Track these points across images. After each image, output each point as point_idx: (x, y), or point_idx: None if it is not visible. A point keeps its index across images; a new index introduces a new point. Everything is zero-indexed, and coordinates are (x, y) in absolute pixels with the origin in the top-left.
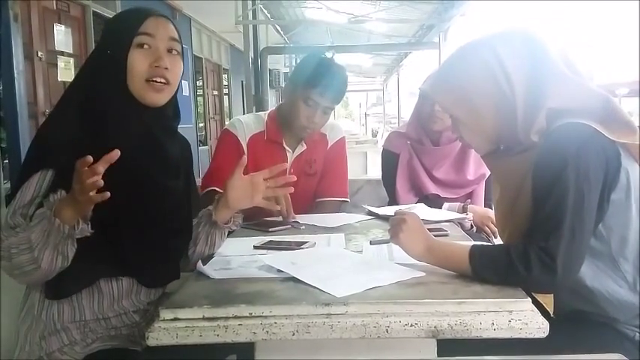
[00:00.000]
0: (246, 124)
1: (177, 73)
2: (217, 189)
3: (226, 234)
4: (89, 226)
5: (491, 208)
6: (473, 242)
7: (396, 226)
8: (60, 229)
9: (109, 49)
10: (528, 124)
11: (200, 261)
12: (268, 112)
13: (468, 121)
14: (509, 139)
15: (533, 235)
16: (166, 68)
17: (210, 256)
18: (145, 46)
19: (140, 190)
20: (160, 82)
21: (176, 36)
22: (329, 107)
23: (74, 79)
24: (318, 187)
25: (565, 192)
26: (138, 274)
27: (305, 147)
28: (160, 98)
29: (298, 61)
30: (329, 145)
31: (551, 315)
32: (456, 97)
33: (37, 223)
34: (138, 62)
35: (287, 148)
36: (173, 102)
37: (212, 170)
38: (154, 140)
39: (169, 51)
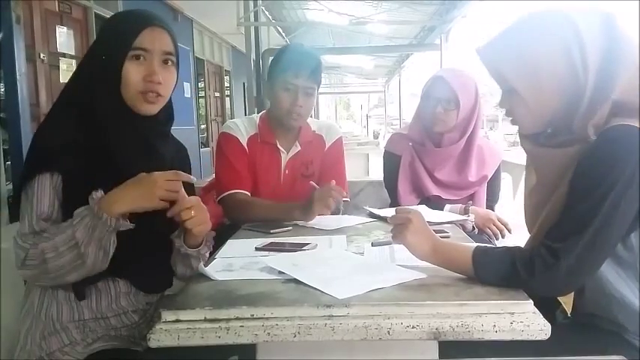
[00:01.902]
0: (242, 126)
1: (170, 85)
2: (241, 191)
3: (204, 255)
4: (127, 220)
5: (493, 210)
6: (476, 244)
7: (401, 226)
8: (107, 223)
9: (104, 55)
10: (590, 114)
11: (202, 262)
12: (260, 114)
13: (527, 96)
14: (562, 125)
15: (552, 232)
16: (159, 83)
17: (212, 258)
18: (140, 58)
19: None
20: (153, 95)
21: (171, 49)
22: (309, 87)
23: (70, 81)
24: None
25: (601, 201)
26: (132, 277)
27: (299, 148)
28: (152, 109)
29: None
30: (327, 146)
31: (569, 315)
32: (521, 67)
33: (80, 220)
34: (132, 74)
35: (281, 148)
36: (166, 107)
37: (229, 174)
38: (147, 145)
39: (164, 62)
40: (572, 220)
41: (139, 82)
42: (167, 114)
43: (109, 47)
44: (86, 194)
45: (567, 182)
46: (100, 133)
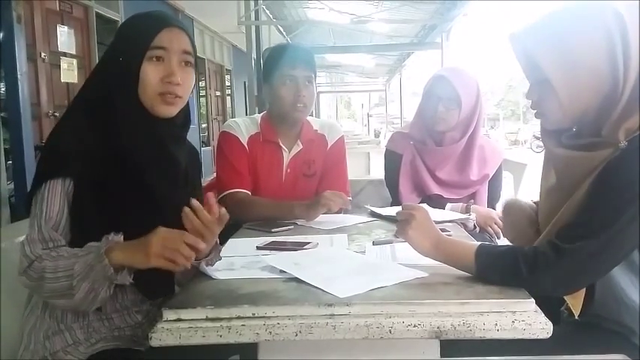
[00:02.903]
0: (243, 126)
1: (189, 87)
2: (241, 190)
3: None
4: (131, 276)
5: (494, 209)
6: (480, 242)
7: (404, 221)
8: (104, 269)
9: (122, 57)
10: (624, 116)
11: (203, 262)
12: (261, 114)
13: (561, 89)
14: (590, 125)
15: (563, 232)
16: (178, 84)
17: None
18: (159, 59)
19: (149, 200)
20: (172, 97)
21: (190, 49)
22: (307, 76)
23: (86, 83)
24: (319, 188)
25: (621, 210)
26: (140, 284)
27: (301, 147)
28: (171, 111)
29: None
30: (329, 146)
31: (576, 317)
32: (558, 56)
33: (85, 254)
34: (150, 76)
35: (283, 147)
36: (183, 110)
37: (229, 173)
38: (164, 150)
39: (183, 63)
40: (585, 224)
41: (158, 83)
42: (184, 117)
43: (127, 48)
44: (97, 201)
45: (587, 185)
46: (116, 136)
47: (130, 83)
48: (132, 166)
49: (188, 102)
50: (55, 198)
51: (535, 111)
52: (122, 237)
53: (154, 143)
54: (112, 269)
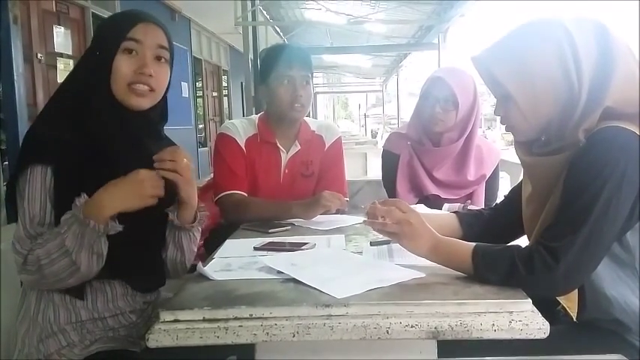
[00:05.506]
0: (240, 127)
1: (162, 81)
2: (238, 192)
3: (195, 237)
4: (117, 221)
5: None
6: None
7: (399, 228)
8: (95, 229)
9: (98, 51)
10: (582, 120)
11: (200, 262)
12: (259, 115)
13: (523, 102)
14: (555, 132)
15: (547, 233)
16: (150, 75)
17: (210, 258)
18: (132, 52)
19: None
20: (143, 88)
21: (165, 44)
22: (304, 75)
23: (65, 79)
24: (317, 189)
25: (593, 200)
26: (127, 278)
27: (299, 147)
28: (142, 103)
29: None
30: (326, 147)
31: (575, 320)
32: (518, 74)
33: (67, 228)
34: (122, 67)
35: (281, 148)
36: (159, 106)
37: (226, 175)
38: (138, 143)
39: (158, 58)
40: (567, 220)
41: (129, 74)
42: (160, 113)
43: (102, 42)
44: (78, 191)
45: (561, 186)
46: (91, 128)
47: (102, 75)
48: (106, 157)
49: (166, 99)
50: (36, 193)
51: (505, 125)
52: (86, 197)
53: (127, 136)
54: (102, 226)
